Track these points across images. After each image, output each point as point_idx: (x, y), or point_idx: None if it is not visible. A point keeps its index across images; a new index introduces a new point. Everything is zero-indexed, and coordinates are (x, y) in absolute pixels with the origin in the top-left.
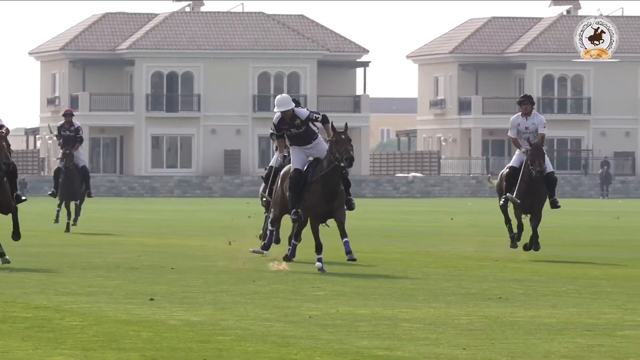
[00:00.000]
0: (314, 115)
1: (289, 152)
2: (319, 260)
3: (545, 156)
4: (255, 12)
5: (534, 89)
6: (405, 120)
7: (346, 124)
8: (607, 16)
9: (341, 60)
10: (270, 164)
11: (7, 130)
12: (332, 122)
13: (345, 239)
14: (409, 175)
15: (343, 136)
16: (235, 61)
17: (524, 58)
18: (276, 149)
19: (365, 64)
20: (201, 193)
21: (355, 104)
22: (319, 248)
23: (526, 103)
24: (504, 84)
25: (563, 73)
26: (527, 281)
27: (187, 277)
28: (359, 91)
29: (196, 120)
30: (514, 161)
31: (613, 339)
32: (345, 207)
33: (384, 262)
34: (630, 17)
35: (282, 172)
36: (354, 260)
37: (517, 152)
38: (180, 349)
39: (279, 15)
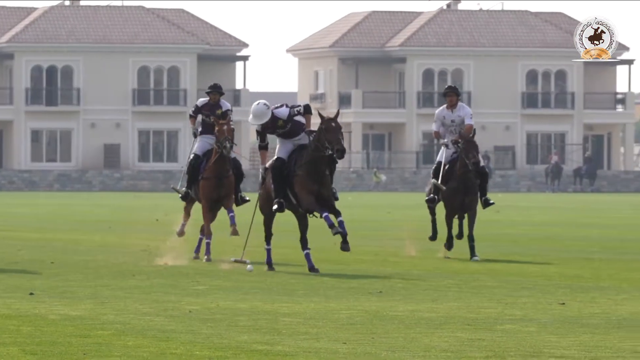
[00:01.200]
0: (295, 110)
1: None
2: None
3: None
4: (134, 6)
5: (414, 83)
6: None
7: (338, 110)
8: (486, 10)
9: (221, 54)
10: (195, 152)
11: None
12: (317, 110)
13: (340, 218)
14: None
15: (333, 124)
16: (114, 55)
17: (404, 52)
18: (195, 136)
19: (245, 58)
20: (81, 187)
21: (235, 98)
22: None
23: (451, 94)
24: (384, 78)
25: (443, 67)
26: (408, 275)
27: (67, 271)
28: (239, 85)
29: (76, 114)
30: (440, 157)
31: (493, 333)
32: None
33: (265, 257)
34: (510, 11)
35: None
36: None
37: (443, 148)
38: (60, 343)
39: (158, 9)
